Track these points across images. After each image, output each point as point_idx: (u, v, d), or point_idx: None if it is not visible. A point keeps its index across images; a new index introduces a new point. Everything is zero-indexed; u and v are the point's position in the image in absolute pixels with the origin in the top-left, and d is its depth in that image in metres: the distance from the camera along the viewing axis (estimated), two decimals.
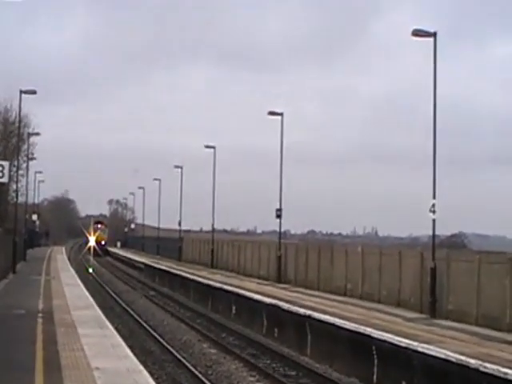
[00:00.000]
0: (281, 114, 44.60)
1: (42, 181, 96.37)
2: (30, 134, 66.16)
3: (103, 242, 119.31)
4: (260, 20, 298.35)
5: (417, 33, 28.12)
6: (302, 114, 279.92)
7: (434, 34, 28.00)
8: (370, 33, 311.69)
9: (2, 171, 35.11)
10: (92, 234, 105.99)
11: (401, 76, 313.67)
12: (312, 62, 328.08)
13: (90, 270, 69.59)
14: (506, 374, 16.07)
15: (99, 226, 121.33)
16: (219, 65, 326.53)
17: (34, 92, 47.28)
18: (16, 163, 64.32)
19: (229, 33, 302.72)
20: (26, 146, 67.01)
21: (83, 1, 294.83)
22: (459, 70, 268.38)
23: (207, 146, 61.66)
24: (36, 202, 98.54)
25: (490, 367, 16.61)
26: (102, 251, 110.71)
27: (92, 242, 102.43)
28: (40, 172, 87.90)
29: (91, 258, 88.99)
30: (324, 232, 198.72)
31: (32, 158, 70.73)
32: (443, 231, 76.05)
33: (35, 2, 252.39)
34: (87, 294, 32.71)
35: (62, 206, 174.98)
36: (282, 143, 44.57)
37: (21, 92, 47.07)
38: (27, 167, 66.37)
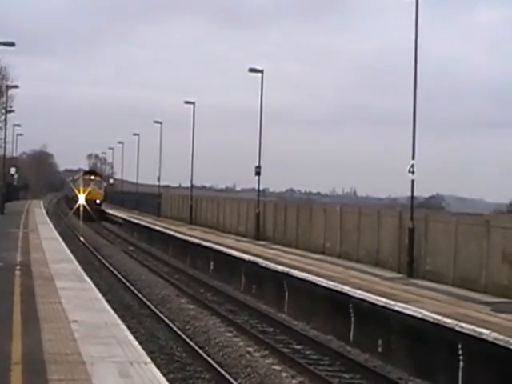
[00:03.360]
0: (261, 72, 44.41)
1: (21, 134, 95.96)
2: (8, 87, 65.53)
3: (98, 201, 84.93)
4: None
5: None
6: (285, 73, 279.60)
7: None
8: None
9: None
10: (81, 190, 79.17)
11: (387, 36, 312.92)
12: (297, 20, 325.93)
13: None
14: (481, 333, 16.22)
15: (92, 177, 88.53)
16: (203, 22, 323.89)
17: (12, 44, 46.72)
18: None
19: None
20: (4, 99, 66.47)
21: None
22: (446, 32, 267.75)
23: (187, 102, 61.52)
24: (14, 155, 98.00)
25: (466, 327, 16.76)
26: (95, 213, 78.81)
27: (82, 200, 74.69)
28: (18, 125, 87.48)
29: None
30: (303, 191, 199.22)
31: (10, 111, 70.30)
32: (421, 193, 76.46)
33: None
34: (65, 247, 32.62)
35: (41, 160, 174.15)
36: (262, 100, 44.47)
37: None
38: (5, 120, 66.03)
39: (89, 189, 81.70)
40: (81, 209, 71.31)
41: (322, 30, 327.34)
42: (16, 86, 66.40)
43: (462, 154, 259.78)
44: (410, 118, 27.78)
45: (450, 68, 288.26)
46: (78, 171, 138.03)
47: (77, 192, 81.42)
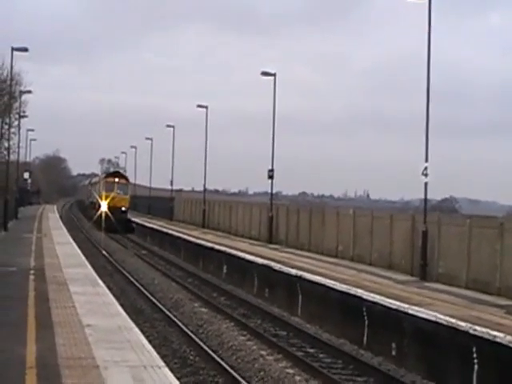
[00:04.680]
0: (274, 75, 44.59)
1: (34, 139, 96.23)
2: (21, 92, 65.70)
3: (123, 208, 70.97)
4: None
5: None
6: (296, 78, 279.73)
7: None
8: None
9: None
10: (104, 195, 68.10)
11: (398, 41, 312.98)
12: (307, 25, 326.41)
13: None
14: (495, 336, 16.16)
15: (117, 180, 72.46)
16: (214, 28, 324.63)
17: (25, 49, 46.95)
18: (8, 121, 64.08)
19: None
20: (17, 104, 66.54)
21: None
22: (456, 37, 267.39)
23: (199, 106, 61.70)
24: (27, 160, 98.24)
25: (480, 330, 16.70)
26: (120, 223, 67.23)
27: (104, 208, 65.35)
28: (32, 130, 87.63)
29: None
30: (315, 194, 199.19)
31: (24, 116, 70.29)
32: (434, 196, 76.42)
33: None
34: (79, 252, 32.71)
35: (54, 165, 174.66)
36: (275, 103, 44.62)
37: (12, 49, 46.75)
38: (19, 125, 65.95)
39: (112, 194, 69.35)
40: (103, 218, 63.06)
41: (332, 36, 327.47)
42: (29, 92, 66.54)
43: (474, 157, 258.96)
44: (423, 121, 27.82)
45: (460, 71, 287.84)
46: (90, 175, 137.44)
47: (98, 198, 69.98)
